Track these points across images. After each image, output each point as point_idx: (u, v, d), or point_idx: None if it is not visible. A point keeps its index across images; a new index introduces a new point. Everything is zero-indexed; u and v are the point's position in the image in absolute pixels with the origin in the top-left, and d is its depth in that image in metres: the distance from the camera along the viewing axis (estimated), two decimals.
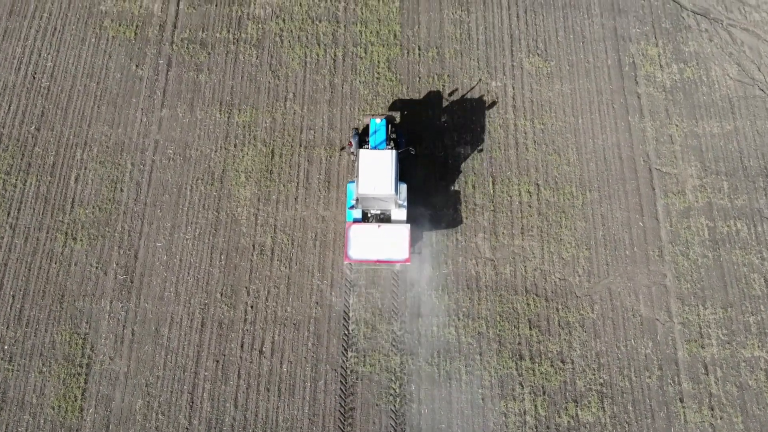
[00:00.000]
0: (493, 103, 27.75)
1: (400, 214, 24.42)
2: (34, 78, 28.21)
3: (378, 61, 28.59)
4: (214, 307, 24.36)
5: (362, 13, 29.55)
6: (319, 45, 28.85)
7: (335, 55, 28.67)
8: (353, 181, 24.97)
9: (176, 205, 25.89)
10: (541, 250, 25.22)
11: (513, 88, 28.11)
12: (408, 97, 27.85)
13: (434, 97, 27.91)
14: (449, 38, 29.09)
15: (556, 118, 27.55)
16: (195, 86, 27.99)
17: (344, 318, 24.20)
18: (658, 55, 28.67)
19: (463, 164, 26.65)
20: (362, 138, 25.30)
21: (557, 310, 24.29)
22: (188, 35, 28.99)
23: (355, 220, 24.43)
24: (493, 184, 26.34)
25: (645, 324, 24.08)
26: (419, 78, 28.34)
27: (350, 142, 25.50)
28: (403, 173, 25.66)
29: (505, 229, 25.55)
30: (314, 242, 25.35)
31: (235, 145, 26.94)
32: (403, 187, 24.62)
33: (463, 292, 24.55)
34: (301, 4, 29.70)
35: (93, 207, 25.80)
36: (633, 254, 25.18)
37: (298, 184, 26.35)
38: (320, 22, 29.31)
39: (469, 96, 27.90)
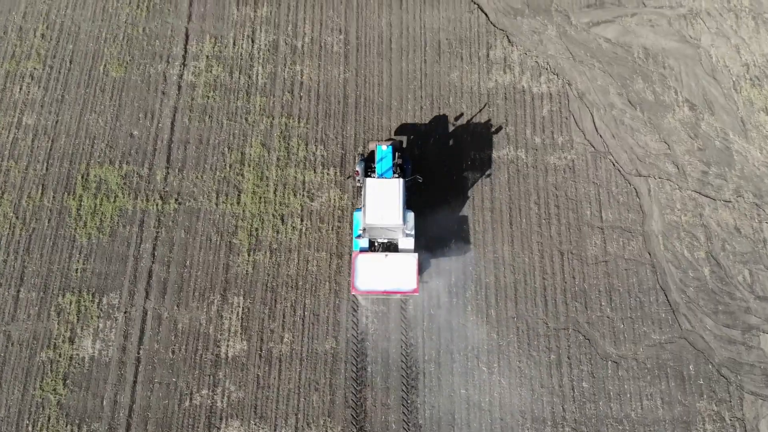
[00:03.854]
0: None
1: (407, 243, 23.72)
2: None
3: None
4: None
5: None
6: None
7: None
8: (360, 209, 24.16)
9: None
10: None
11: None
12: None
13: None
14: None
15: None
16: None
17: None
18: None
19: None
20: (368, 164, 24.32)
21: None
22: None
23: (362, 250, 23.63)
24: None
25: None
26: None
27: (357, 171, 24.40)
28: (410, 201, 24.61)
29: None
30: None
31: None
32: (411, 216, 23.89)
33: None
34: None
35: None
36: None
37: None
38: None
39: None
